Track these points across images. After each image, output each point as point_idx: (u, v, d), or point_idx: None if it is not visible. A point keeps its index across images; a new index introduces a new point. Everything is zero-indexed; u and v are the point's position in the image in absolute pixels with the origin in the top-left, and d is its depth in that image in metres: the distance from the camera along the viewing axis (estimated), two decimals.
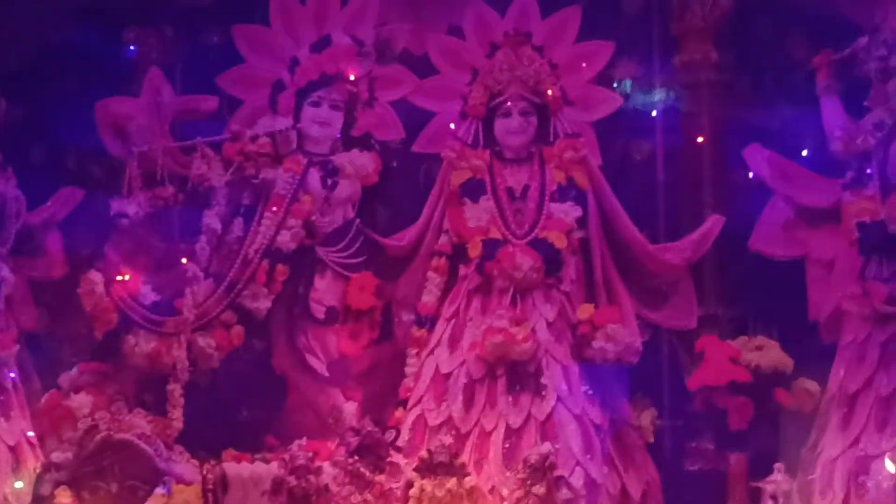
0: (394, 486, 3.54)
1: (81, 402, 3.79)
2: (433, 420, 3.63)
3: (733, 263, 3.65)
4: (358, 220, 3.76)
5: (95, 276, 3.81)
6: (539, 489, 3.39)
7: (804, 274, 3.54)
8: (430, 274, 3.69)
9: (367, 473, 3.53)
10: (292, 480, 3.51)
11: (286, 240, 3.76)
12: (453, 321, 3.67)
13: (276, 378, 3.76)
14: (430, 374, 3.66)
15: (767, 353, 3.49)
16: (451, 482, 3.46)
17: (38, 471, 3.75)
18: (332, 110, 3.80)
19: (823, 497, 3.44)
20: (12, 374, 3.91)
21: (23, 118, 4.10)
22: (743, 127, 3.64)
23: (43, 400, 3.90)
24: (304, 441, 3.58)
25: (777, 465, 3.45)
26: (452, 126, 3.73)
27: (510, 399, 3.56)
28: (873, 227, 3.44)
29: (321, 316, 3.74)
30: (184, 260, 3.87)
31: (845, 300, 3.46)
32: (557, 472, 3.43)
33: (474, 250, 3.65)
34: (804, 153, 3.62)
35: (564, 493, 3.42)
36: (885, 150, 3.48)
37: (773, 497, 3.46)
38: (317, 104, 3.81)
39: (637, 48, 3.73)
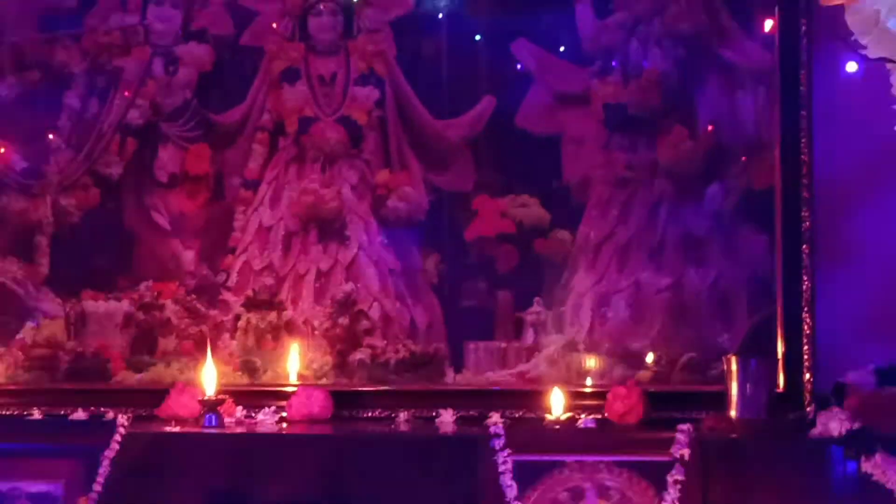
0: (224, 319, 3.81)
1: None
2: (257, 265, 3.87)
3: (503, 138, 3.78)
4: (195, 101, 3.90)
5: None
6: (343, 320, 3.69)
7: (560, 146, 3.76)
8: (255, 146, 3.87)
9: (202, 309, 3.80)
10: (140, 315, 3.77)
11: (135, 117, 3.94)
12: (274, 184, 3.88)
13: (127, 232, 3.93)
14: (255, 227, 3.89)
15: (529, 210, 3.74)
16: (272, 315, 3.77)
17: None
18: (172, 9, 3.89)
19: (573, 325, 3.74)
20: None
21: None
22: (513, 27, 3.77)
23: None
24: (150, 283, 3.83)
25: (536, 300, 3.74)
26: (275, 25, 3.88)
27: (320, 248, 3.83)
28: (616, 108, 3.72)
29: (164, 180, 3.91)
30: (49, 134, 4.04)
31: (592, 167, 3.73)
32: (358, 307, 3.73)
33: (291, 126, 3.87)
34: (562, 49, 3.78)
35: (364, 323, 3.72)
36: (626, 45, 3.71)
37: (533, 325, 3.72)
38: (160, 4, 3.91)
39: None
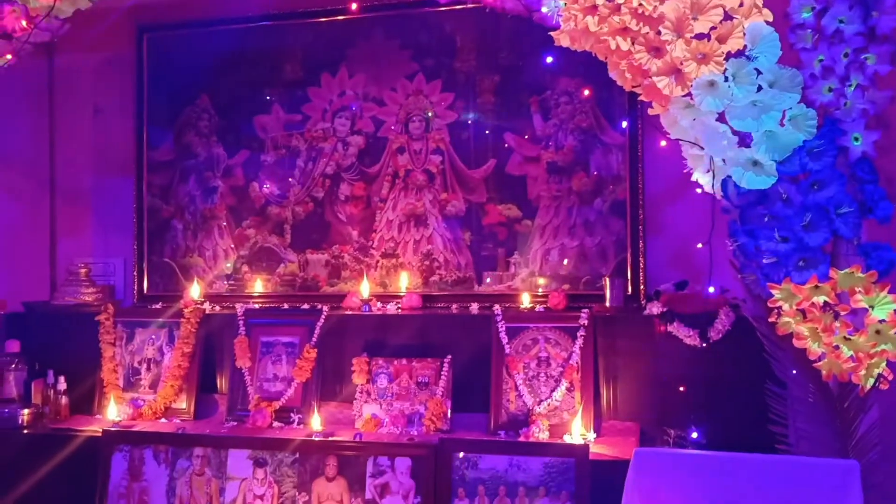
0: (371, 262, 3.81)
1: (253, 233, 3.98)
2: (386, 237, 3.84)
3: (500, 177, 3.70)
4: (357, 162, 3.85)
5: (256, 185, 3.99)
6: (426, 262, 3.78)
7: (526, 181, 3.70)
8: (384, 182, 3.82)
9: (361, 257, 3.83)
10: (332, 260, 3.86)
11: (328, 170, 3.90)
12: (394, 200, 3.83)
13: (326, 222, 3.88)
14: (385, 220, 3.85)
15: (512, 211, 3.72)
16: (393, 260, 3.80)
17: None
18: (346, 120, 3.87)
19: (532, 264, 3.69)
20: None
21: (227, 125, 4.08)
22: (505, 126, 3.71)
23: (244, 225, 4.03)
24: (337, 246, 3.88)
25: (515, 252, 3.70)
26: (393, 127, 3.82)
27: (416, 228, 3.81)
28: (552, 163, 3.67)
29: (343, 198, 3.86)
30: (289, 178, 3.97)
31: (541, 190, 3.69)
32: (433, 256, 3.77)
33: (401, 173, 3.82)
34: (526, 136, 3.70)
35: (436, 264, 3.77)
36: (557, 134, 3.66)
37: (515, 264, 3.69)
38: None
39: (466, 98, 3.77)
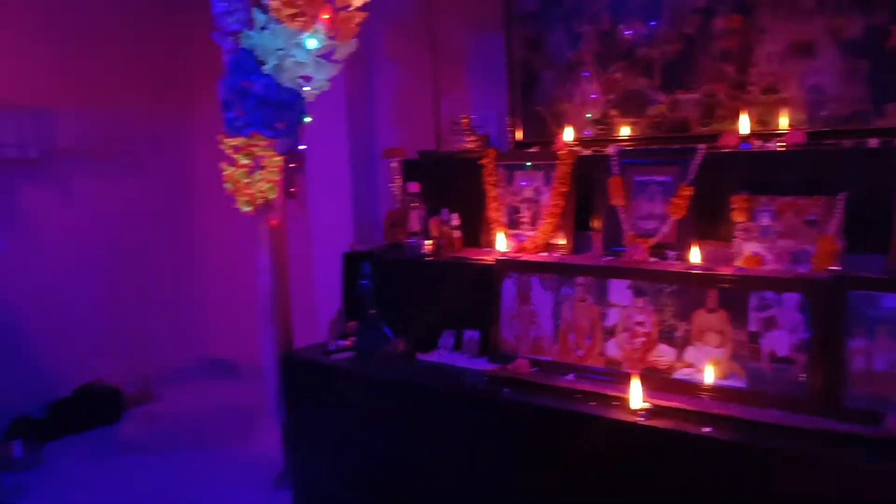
0: (750, 98, 3.56)
1: (619, 76, 3.92)
2: (766, 71, 3.54)
3: None
4: None
5: (622, 28, 3.87)
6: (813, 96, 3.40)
7: None
8: (765, 9, 3.49)
9: (738, 94, 3.60)
10: (705, 100, 3.65)
11: (700, 4, 3.59)
12: (776, 29, 3.48)
13: (697, 61, 3.64)
14: (766, 52, 3.53)
15: None
16: (774, 97, 3.47)
17: None
18: None
19: None
20: None
21: None
22: None
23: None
24: (710, 85, 3.67)
25: None
26: None
27: (802, 60, 3.44)
28: None
29: (716, 33, 3.58)
30: (652, 23, 3.75)
31: None
32: (820, 87, 3.40)
33: None
34: None
35: (822, 93, 3.40)
36: None
37: None
38: None
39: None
